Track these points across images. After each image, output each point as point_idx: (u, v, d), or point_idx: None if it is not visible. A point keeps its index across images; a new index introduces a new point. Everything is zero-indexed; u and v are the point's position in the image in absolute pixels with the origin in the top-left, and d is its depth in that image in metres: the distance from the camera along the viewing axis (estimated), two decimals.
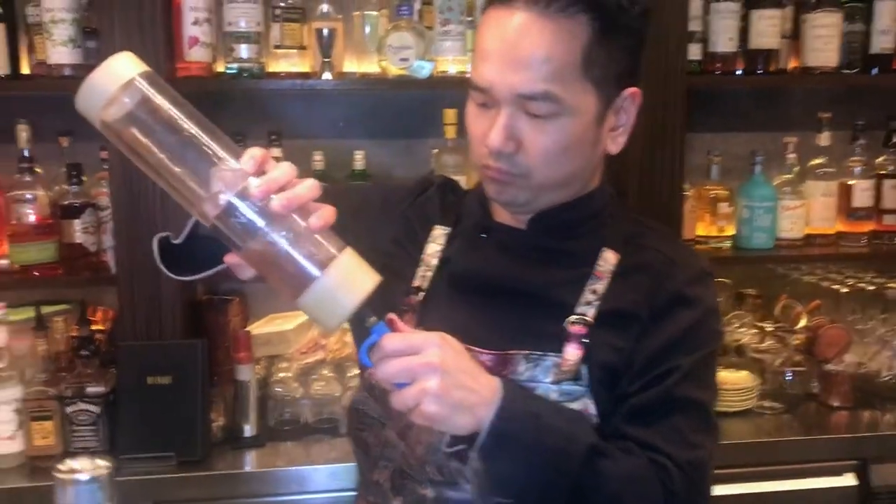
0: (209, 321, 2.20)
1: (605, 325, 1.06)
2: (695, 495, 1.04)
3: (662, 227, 1.17)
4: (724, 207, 2.31)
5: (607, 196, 1.15)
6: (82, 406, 1.90)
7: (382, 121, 2.33)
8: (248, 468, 1.94)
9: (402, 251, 1.20)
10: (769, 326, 2.32)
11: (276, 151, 2.18)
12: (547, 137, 1.02)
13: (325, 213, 0.89)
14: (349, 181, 2.25)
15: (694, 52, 2.20)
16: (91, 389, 1.91)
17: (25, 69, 2.13)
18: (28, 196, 2.01)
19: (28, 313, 2.04)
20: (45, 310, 2.05)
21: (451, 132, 2.15)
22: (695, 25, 2.20)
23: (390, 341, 0.93)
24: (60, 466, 0.94)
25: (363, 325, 0.93)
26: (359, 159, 2.23)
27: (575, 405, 1.04)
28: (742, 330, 2.30)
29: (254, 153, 0.87)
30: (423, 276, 1.15)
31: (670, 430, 1.03)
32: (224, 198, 0.86)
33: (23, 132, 2.00)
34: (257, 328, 2.26)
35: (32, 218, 2.01)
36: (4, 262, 2.03)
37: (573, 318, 1.06)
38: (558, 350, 1.06)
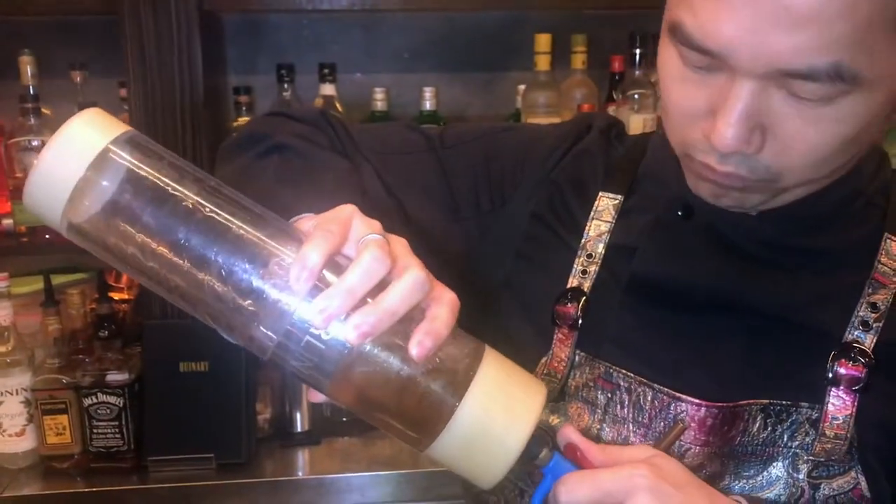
0: None
1: (892, 362, 0.68)
2: None
3: None
4: None
5: (879, 159, 0.75)
6: (102, 398, 1.60)
7: (457, 50, 2.02)
8: (300, 473, 1.66)
9: (546, 232, 0.81)
10: None
11: (329, 88, 1.84)
12: (820, 131, 0.62)
13: (438, 323, 0.54)
14: (417, 123, 1.89)
15: None
16: (112, 377, 1.62)
17: None
18: (34, 143, 1.73)
19: (37, 284, 1.76)
20: (57, 280, 1.76)
21: (542, 63, 1.82)
22: None
23: (573, 493, 0.59)
24: None
25: (528, 460, 0.60)
26: (428, 97, 1.90)
27: (837, 482, 0.67)
28: None
29: (308, 259, 0.53)
30: (582, 271, 0.77)
31: None
32: (270, 334, 0.55)
33: (27, 65, 1.72)
34: None
35: None
36: (7, 222, 1.76)
37: (843, 349, 0.69)
38: (815, 400, 0.69)
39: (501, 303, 0.82)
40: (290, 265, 0.53)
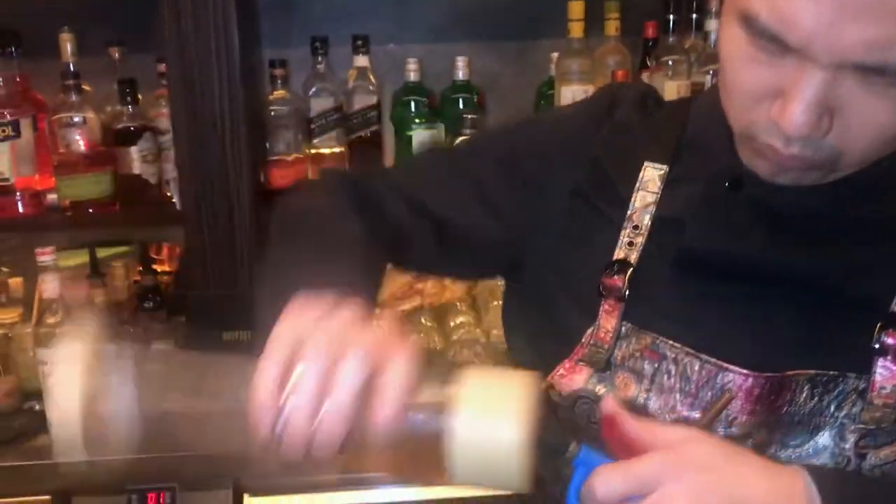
0: None
1: None
2: None
3: None
4: None
5: None
6: None
7: (489, 19, 1.99)
8: None
9: (587, 207, 0.82)
10: None
11: (363, 60, 1.85)
12: (889, 116, 0.62)
13: (393, 392, 0.57)
14: (450, 93, 1.90)
15: None
16: (157, 347, 1.65)
17: None
18: (76, 119, 1.74)
19: (82, 257, 1.79)
20: (101, 253, 1.80)
21: (576, 30, 1.78)
22: None
23: (605, 483, 0.61)
24: None
25: (559, 455, 0.63)
26: (461, 67, 1.89)
27: (884, 452, 0.69)
28: None
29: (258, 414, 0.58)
30: (628, 243, 0.77)
31: None
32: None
33: (66, 42, 1.73)
34: None
35: (82, 145, 1.75)
36: (52, 197, 1.77)
37: (890, 319, 0.70)
38: (862, 370, 0.70)
39: (545, 280, 0.83)
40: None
